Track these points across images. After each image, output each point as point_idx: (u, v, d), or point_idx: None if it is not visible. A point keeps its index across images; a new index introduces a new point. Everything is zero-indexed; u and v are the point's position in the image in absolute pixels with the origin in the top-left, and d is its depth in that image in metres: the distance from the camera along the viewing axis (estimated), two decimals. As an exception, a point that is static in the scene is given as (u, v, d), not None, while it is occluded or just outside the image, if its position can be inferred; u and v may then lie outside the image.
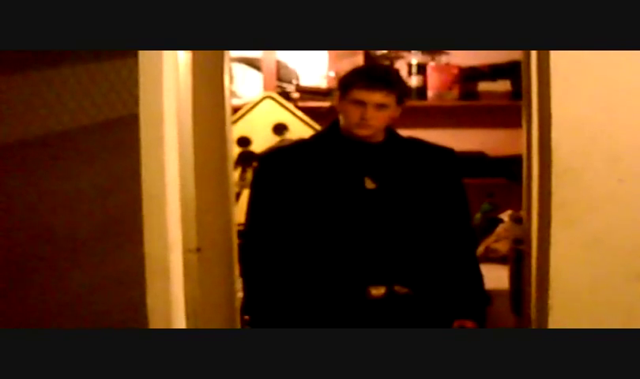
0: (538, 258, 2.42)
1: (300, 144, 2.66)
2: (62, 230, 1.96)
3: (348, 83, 2.43)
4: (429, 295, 2.44)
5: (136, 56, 1.94)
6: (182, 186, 2.00)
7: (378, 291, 2.39)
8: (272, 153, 2.72)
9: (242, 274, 2.48)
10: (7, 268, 1.96)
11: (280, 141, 4.32)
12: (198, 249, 2.09)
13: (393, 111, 2.43)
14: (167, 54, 1.92)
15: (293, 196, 2.41)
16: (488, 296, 2.56)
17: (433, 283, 2.45)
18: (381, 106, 2.38)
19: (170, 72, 1.93)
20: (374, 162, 2.47)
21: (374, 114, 2.37)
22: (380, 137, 2.48)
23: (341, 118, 2.46)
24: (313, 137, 2.70)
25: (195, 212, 2.09)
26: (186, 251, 1.99)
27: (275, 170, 2.46)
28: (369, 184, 2.44)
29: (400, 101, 2.45)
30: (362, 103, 2.37)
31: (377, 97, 2.37)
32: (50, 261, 1.96)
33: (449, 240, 2.50)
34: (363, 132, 2.40)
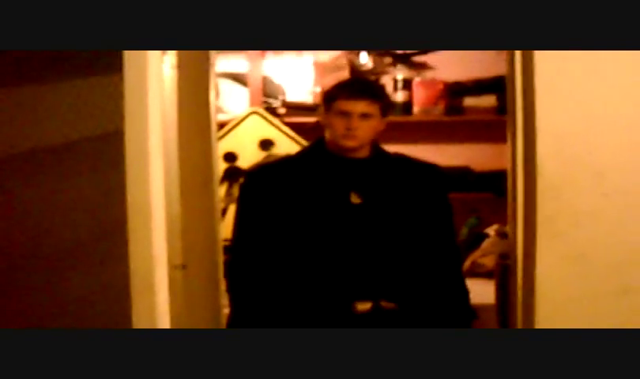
0: (524, 272, 2.42)
1: (286, 159, 2.66)
2: (46, 245, 1.95)
3: (331, 96, 2.46)
4: (415, 310, 2.44)
5: (121, 72, 1.94)
6: (168, 202, 2.00)
7: (364, 306, 2.38)
8: (259, 169, 2.73)
9: (229, 289, 2.47)
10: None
11: (267, 157, 4.33)
12: (184, 266, 2.08)
13: (377, 123, 2.45)
14: (152, 70, 1.92)
15: (279, 211, 2.42)
16: (473, 311, 2.56)
17: (419, 297, 2.45)
18: (365, 116, 2.40)
19: (155, 88, 1.93)
20: (359, 177, 2.48)
21: (359, 124, 2.39)
22: (366, 153, 2.49)
23: (327, 133, 2.48)
24: (299, 153, 2.70)
25: (180, 227, 2.08)
26: (172, 267, 1.98)
27: (261, 186, 2.47)
28: (354, 199, 2.44)
29: (384, 113, 2.47)
30: (346, 114, 2.40)
31: (361, 107, 2.40)
32: (34, 276, 1.95)
33: (434, 256, 2.50)
34: (349, 143, 2.41)
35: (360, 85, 2.55)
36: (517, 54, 2.43)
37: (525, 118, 2.43)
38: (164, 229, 1.94)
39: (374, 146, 2.53)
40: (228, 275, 2.50)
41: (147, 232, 1.87)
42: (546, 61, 2.34)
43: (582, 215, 2.33)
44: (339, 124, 2.40)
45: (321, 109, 2.50)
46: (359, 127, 2.40)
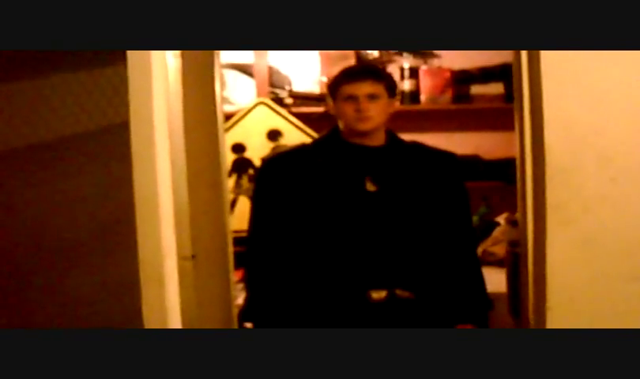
0: (534, 259, 2.42)
1: (301, 148, 2.66)
2: (55, 238, 1.96)
3: (335, 83, 2.48)
4: (430, 299, 2.44)
5: (125, 63, 1.93)
6: (175, 193, 1.99)
7: (379, 295, 2.39)
8: (274, 158, 2.70)
9: (247, 279, 2.49)
10: (1, 275, 1.96)
11: (275, 147, 4.32)
12: (193, 257, 2.08)
13: (386, 103, 2.45)
14: (156, 61, 1.92)
15: (295, 200, 2.42)
16: (490, 300, 2.56)
17: (434, 286, 2.45)
18: (372, 97, 2.41)
19: (159, 79, 1.93)
20: (374, 165, 2.48)
21: (367, 105, 2.40)
22: (381, 140, 2.50)
23: (340, 123, 2.48)
24: (314, 142, 2.68)
25: (189, 218, 2.08)
26: (181, 258, 1.98)
27: (277, 175, 2.48)
28: (370, 186, 2.44)
29: (391, 93, 2.48)
30: (353, 97, 2.41)
31: (366, 87, 2.41)
32: (43, 269, 1.96)
33: (450, 243, 2.50)
34: (362, 126, 2.42)
35: (362, 68, 2.66)
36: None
37: (531, 105, 2.42)
38: (172, 220, 1.94)
39: (390, 134, 2.54)
40: (246, 264, 2.51)
41: (155, 224, 1.87)
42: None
43: (591, 200, 2.32)
44: (348, 109, 2.41)
45: (330, 100, 2.50)
46: (369, 108, 2.40)
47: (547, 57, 2.32)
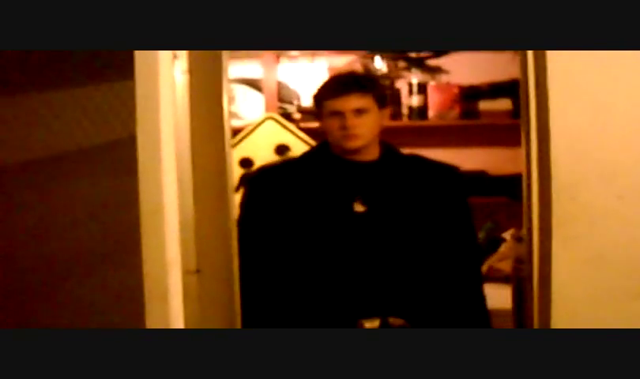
0: (540, 275, 2.41)
1: (289, 162, 2.61)
2: (60, 251, 1.96)
3: (320, 98, 2.33)
4: (426, 326, 2.26)
5: (133, 78, 1.95)
6: (181, 207, 2.00)
7: (371, 324, 2.23)
8: (260, 174, 2.59)
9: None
10: (6, 287, 1.96)
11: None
12: (198, 271, 2.08)
13: (376, 117, 2.29)
14: (164, 76, 1.93)
15: (281, 220, 2.29)
16: (488, 322, 2.41)
17: (431, 313, 2.28)
18: (359, 112, 2.24)
19: (166, 94, 1.94)
20: (364, 182, 2.32)
21: (354, 121, 2.23)
22: (374, 154, 2.34)
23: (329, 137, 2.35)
24: (302, 156, 2.54)
25: (194, 232, 2.08)
26: (185, 272, 1.99)
27: (262, 192, 2.35)
28: (358, 207, 2.29)
29: (381, 104, 2.31)
30: (339, 113, 2.25)
31: (352, 102, 2.24)
32: (48, 282, 1.96)
33: (451, 264, 2.34)
34: (350, 144, 2.26)
35: (346, 79, 2.37)
36: (530, 57, 2.42)
37: (538, 121, 2.42)
38: (178, 234, 1.95)
39: (385, 146, 2.38)
40: None
41: (160, 237, 1.87)
42: (558, 63, 2.34)
43: (597, 217, 2.32)
44: (333, 125, 2.26)
45: (316, 114, 2.37)
46: (356, 125, 2.24)
47: (554, 72, 2.33)
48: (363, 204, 2.29)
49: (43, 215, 1.98)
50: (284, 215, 2.29)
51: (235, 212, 4.09)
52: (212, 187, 2.60)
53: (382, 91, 2.39)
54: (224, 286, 2.68)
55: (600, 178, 2.32)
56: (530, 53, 2.42)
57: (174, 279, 1.89)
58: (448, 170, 2.50)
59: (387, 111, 2.40)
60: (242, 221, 2.33)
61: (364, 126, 2.26)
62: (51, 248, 1.96)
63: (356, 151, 2.29)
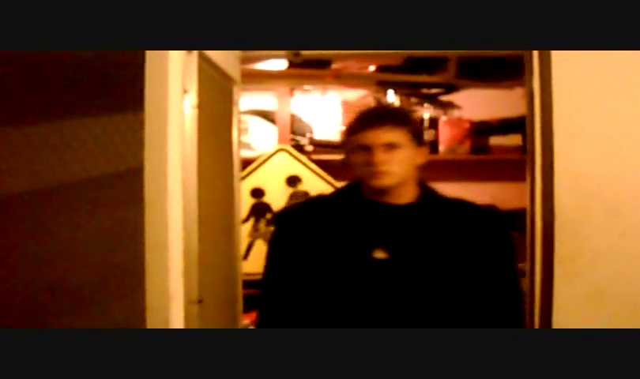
0: (541, 311, 2.43)
1: (318, 201, 2.40)
2: (65, 280, 1.99)
3: (350, 131, 2.12)
4: None
5: (142, 110, 1.99)
6: (186, 238, 2.04)
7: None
8: (288, 211, 2.43)
9: (257, 325, 2.26)
10: (12, 316, 1.99)
11: (293, 193, 4.37)
12: (200, 301, 2.11)
13: (410, 153, 2.06)
14: (173, 110, 1.97)
15: (306, 261, 2.12)
16: None
17: None
18: (390, 147, 2.03)
19: (175, 127, 1.98)
20: (390, 227, 2.10)
21: (383, 157, 2.02)
22: (410, 197, 2.11)
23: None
24: (332, 195, 2.34)
25: (197, 263, 2.12)
26: (188, 302, 2.02)
27: (290, 231, 2.19)
28: (379, 253, 2.06)
29: (417, 141, 2.09)
30: (366, 148, 2.04)
31: (383, 136, 2.02)
32: (53, 310, 1.99)
33: (491, 316, 2.09)
34: (378, 182, 2.04)
35: (379, 112, 2.19)
36: (537, 94, 2.46)
37: (543, 157, 2.45)
38: (181, 265, 1.98)
39: (425, 189, 2.17)
40: (258, 311, 2.25)
41: (164, 268, 1.90)
42: (564, 101, 2.38)
43: (600, 254, 2.34)
44: (361, 160, 2.05)
45: (344, 150, 2.17)
46: (384, 161, 2.02)
47: (560, 110, 2.36)
48: (386, 250, 2.06)
49: (49, 243, 2.01)
50: (309, 255, 2.11)
51: (245, 241, 4.16)
52: (219, 219, 2.64)
53: (417, 127, 2.17)
54: (226, 315, 2.71)
55: (603, 215, 2.35)
56: (537, 91, 2.46)
57: (176, 309, 1.92)
58: (492, 216, 2.31)
59: (425, 150, 2.14)
60: (269, 259, 2.23)
61: (394, 163, 2.03)
62: (56, 276, 1.99)
63: (386, 191, 2.07)
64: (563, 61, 2.37)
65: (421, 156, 2.11)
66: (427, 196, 2.15)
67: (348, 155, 2.11)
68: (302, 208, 2.34)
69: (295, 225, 2.18)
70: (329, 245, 2.10)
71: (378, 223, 2.09)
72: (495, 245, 2.13)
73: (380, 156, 2.02)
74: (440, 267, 2.06)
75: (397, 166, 2.03)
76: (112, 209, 2.01)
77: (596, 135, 2.37)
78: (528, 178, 2.59)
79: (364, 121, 2.09)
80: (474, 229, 2.11)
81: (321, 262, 2.09)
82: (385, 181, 2.04)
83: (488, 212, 2.34)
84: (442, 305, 2.05)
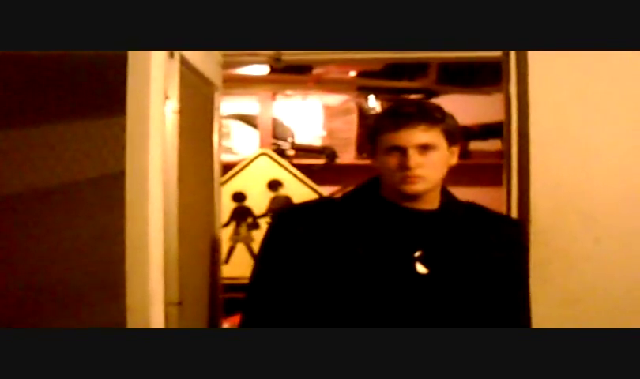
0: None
1: (326, 202, 2.20)
2: (45, 282, 1.99)
3: (376, 129, 1.90)
4: None
5: (123, 115, 2.00)
6: (166, 241, 2.05)
7: None
8: (294, 210, 2.21)
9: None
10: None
11: (275, 197, 4.39)
12: (180, 303, 2.13)
13: (444, 155, 1.89)
14: (154, 115, 1.99)
15: (313, 269, 1.89)
16: None
17: None
18: (425, 149, 1.83)
19: (156, 132, 1.99)
20: (425, 237, 1.90)
21: (419, 160, 1.82)
22: (434, 203, 1.94)
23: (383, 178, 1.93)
24: (345, 196, 2.06)
25: (178, 266, 2.13)
26: (168, 304, 2.03)
27: (294, 233, 1.94)
28: (420, 268, 1.87)
29: (451, 140, 1.91)
30: (399, 149, 1.83)
31: (417, 136, 1.82)
32: (31, 314, 2.00)
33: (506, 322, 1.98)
34: (411, 188, 1.84)
35: (411, 108, 1.89)
36: (514, 98, 2.48)
37: (519, 163, 2.47)
38: (161, 267, 2.00)
39: (445, 193, 2.02)
40: (242, 314, 2.05)
41: (144, 271, 1.92)
42: (541, 105, 2.40)
43: (575, 259, 2.37)
44: (392, 164, 1.83)
45: (369, 150, 1.95)
46: (421, 164, 1.82)
47: (537, 115, 2.39)
48: (425, 264, 1.88)
49: (31, 246, 2.02)
50: (318, 263, 1.88)
51: (226, 245, 4.17)
52: (199, 223, 2.66)
53: (453, 124, 1.95)
54: (205, 318, 2.73)
55: (579, 221, 2.37)
56: (514, 94, 2.48)
57: (156, 311, 1.94)
58: (513, 224, 2.18)
59: (457, 150, 1.97)
60: (264, 262, 2.00)
61: (430, 167, 1.85)
62: (38, 277, 2.00)
63: (416, 197, 1.88)
64: (541, 62, 2.36)
65: (454, 157, 1.98)
66: (448, 200, 2.01)
67: (376, 160, 1.91)
68: (310, 209, 2.08)
69: (302, 227, 1.94)
70: (350, 254, 1.87)
71: (412, 233, 1.90)
72: (515, 254, 2.04)
73: (415, 159, 1.82)
74: (476, 281, 1.93)
75: (431, 169, 1.86)
76: (94, 212, 2.02)
77: (573, 141, 2.39)
78: (504, 183, 2.61)
79: (396, 118, 1.87)
80: (496, 238, 2.00)
81: (339, 276, 1.86)
82: (420, 187, 1.86)
83: (507, 219, 2.23)
84: (474, 319, 1.92)
